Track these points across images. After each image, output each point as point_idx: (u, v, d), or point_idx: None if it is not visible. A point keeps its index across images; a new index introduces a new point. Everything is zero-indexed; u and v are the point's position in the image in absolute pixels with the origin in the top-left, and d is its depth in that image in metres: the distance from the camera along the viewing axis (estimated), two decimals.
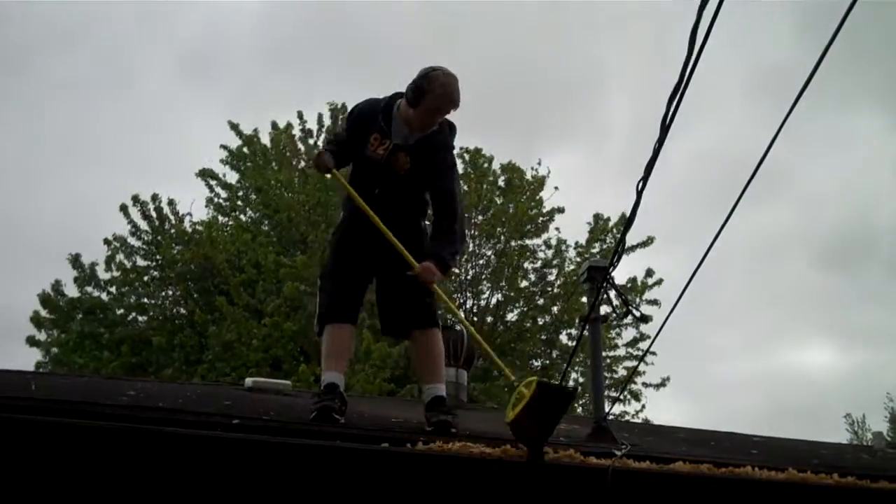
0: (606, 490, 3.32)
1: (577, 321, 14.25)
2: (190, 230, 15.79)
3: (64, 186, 26.41)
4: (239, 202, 16.95)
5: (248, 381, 6.40)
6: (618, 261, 3.81)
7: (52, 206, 25.64)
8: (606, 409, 4.53)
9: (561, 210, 16.74)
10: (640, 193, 2.83)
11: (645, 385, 15.91)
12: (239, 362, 13.27)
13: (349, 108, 4.49)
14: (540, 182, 17.14)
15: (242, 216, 16.82)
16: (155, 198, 15.77)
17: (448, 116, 4.37)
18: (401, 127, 4.28)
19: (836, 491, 3.71)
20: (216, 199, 16.83)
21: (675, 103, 2.19)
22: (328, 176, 4.58)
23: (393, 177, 4.28)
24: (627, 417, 15.42)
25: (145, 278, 15.43)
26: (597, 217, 16.97)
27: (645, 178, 2.72)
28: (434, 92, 4.14)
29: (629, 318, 4.54)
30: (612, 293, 4.26)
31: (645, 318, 8.67)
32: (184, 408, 4.07)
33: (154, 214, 15.71)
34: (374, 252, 4.26)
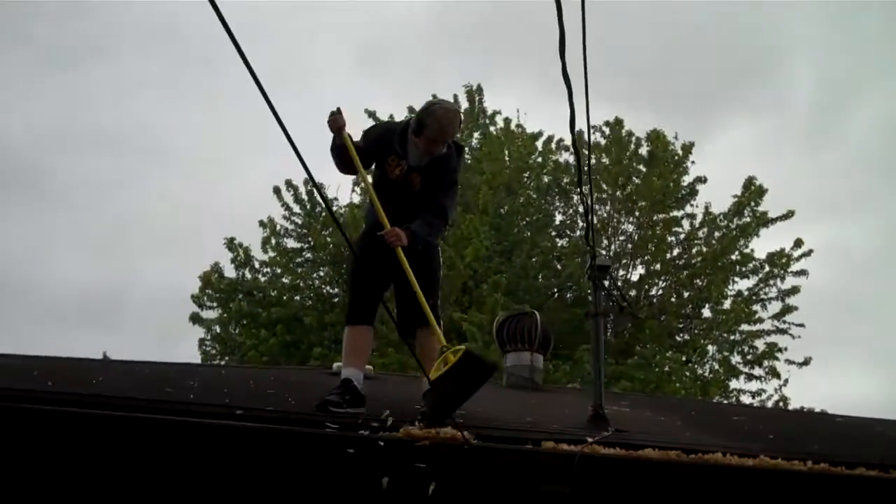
0: (573, 474, 3.61)
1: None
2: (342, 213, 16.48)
3: (247, 174, 28.03)
4: None
5: (335, 365, 6.86)
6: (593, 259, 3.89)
7: (236, 193, 27.38)
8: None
9: (703, 180, 16.24)
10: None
11: (788, 362, 15.10)
12: (383, 341, 13.89)
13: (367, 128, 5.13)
14: (687, 150, 16.64)
15: None
16: (306, 182, 16.38)
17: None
18: (414, 150, 4.80)
19: (806, 477, 3.78)
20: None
21: None
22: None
23: (409, 194, 4.80)
24: (763, 396, 14.86)
25: (298, 259, 16.35)
26: (749, 182, 16.20)
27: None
28: (431, 126, 4.67)
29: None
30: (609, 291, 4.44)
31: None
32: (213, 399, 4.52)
33: (305, 198, 16.49)
34: (390, 260, 4.61)
